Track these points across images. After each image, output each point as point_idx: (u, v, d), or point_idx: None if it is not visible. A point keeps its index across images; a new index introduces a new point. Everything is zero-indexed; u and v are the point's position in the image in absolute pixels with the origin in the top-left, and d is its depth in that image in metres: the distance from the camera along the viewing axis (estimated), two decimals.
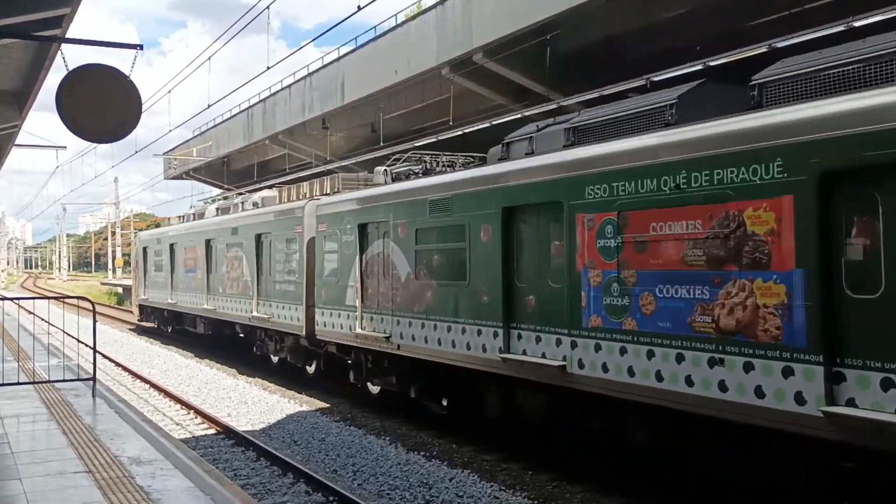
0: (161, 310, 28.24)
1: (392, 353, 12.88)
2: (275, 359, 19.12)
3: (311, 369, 17.39)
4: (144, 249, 30.30)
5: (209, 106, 22.58)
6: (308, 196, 17.48)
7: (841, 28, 11.60)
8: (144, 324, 31.44)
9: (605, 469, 9.98)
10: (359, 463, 10.99)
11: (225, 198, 34.40)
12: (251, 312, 18.95)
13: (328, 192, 16.79)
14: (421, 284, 11.98)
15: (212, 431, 13.33)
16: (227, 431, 13.00)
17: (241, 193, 28.34)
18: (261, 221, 18.95)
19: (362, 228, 13.80)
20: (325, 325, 15.15)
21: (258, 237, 18.85)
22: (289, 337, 17.57)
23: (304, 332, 16.21)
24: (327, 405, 15.31)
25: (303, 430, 13.05)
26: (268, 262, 18.39)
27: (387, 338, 12.79)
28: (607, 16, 17.08)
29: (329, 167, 30.78)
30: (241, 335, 21.07)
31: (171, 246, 26.32)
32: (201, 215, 25.41)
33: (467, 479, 10.05)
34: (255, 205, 20.63)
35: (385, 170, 14.33)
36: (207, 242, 22.56)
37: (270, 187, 24.45)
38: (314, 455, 11.53)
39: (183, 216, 29.44)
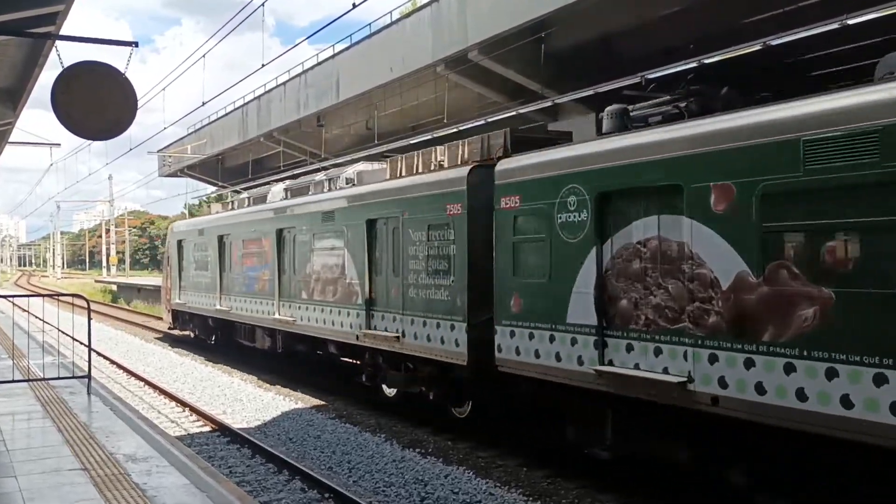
0: (204, 318, 22.88)
1: (702, 412, 7.72)
2: (391, 392, 14.22)
3: (461, 411, 12.49)
4: (180, 243, 24.40)
5: (204, 103, 22.56)
6: (460, 162, 12.17)
7: (835, 26, 11.65)
8: (175, 332, 26.65)
9: (600, 467, 10.00)
10: (354, 460, 11.01)
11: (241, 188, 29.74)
12: (360, 329, 13.74)
13: (488, 156, 11.56)
14: (784, 294, 6.91)
15: (207, 429, 13.33)
16: (222, 429, 13.00)
17: (295, 176, 23.47)
18: (377, 202, 13.57)
19: (604, 200, 8.91)
20: (516, 353, 10.12)
21: (371, 224, 13.63)
22: (429, 365, 12.26)
23: (465, 360, 11.09)
24: (322, 402, 15.32)
25: (298, 428, 13.06)
26: (390, 257, 13.09)
27: (682, 383, 7.79)
28: (602, 14, 17.10)
29: (324, 164, 30.80)
30: (319, 352, 16.74)
31: (221, 238, 20.91)
32: (262, 199, 19.94)
33: (462, 476, 10.08)
34: (350, 181, 15.53)
35: (616, 111, 9.40)
36: (280, 233, 17.30)
37: (367, 160, 19.81)
38: (309, 452, 11.55)
39: (231, 202, 23.59)
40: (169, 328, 26.68)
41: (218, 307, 20.91)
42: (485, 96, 21.97)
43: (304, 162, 32.48)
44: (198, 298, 22.68)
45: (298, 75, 29.88)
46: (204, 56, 18.71)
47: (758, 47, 12.71)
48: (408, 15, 23.29)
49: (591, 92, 16.86)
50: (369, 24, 25.34)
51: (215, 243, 21.16)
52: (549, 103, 18.97)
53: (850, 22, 11.50)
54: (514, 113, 20.05)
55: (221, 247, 20.89)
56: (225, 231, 20.83)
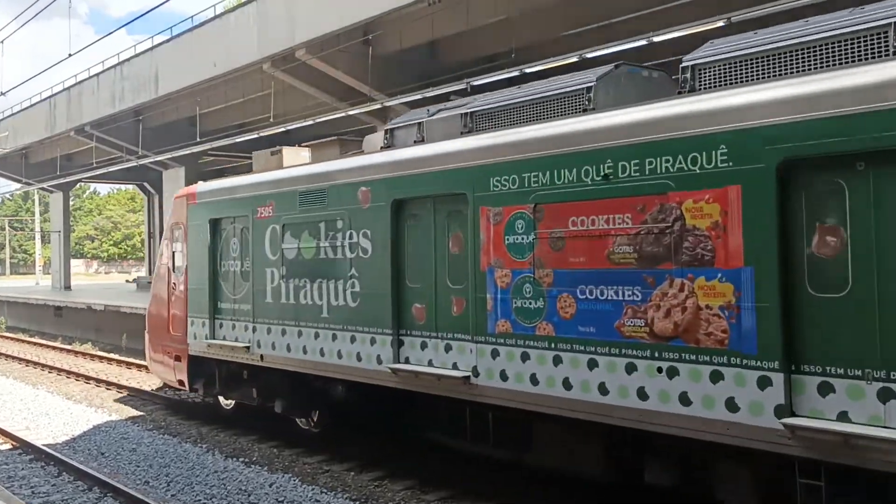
0: (305, 379, 10.94)
1: None
2: None
3: None
4: (216, 226, 12.33)
5: (3, 93, 20.74)
6: None
7: (643, 42, 12.48)
8: (163, 395, 15.44)
9: (428, 466, 10.11)
10: (173, 473, 10.50)
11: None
12: None
13: None
14: None
15: (7, 446, 12.25)
16: (24, 446, 11.99)
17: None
18: None
19: None
20: None
21: None
22: None
23: None
24: (140, 413, 14.49)
25: (111, 441, 12.29)
26: None
27: None
28: (430, 19, 17.36)
29: (142, 162, 29.27)
30: None
31: (400, 205, 9.15)
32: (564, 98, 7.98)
33: (288, 484, 9.86)
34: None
35: None
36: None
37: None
38: (123, 467, 10.89)
39: (392, 131, 9.94)
40: (166, 386, 14.98)
41: (418, 368, 8.82)
42: (313, 96, 21.68)
43: (120, 159, 30.69)
44: (295, 340, 10.62)
45: (113, 66, 28.19)
46: (2, 42, 17.18)
47: (575, 59, 13.36)
48: (233, 9, 22.58)
49: (419, 96, 17.05)
50: (192, 16, 24.36)
51: (385, 218, 9.27)
52: (377, 105, 19.00)
53: (656, 39, 12.35)
54: (343, 114, 19.93)
55: (400, 226, 9.24)
56: (445, 185, 8.60)
